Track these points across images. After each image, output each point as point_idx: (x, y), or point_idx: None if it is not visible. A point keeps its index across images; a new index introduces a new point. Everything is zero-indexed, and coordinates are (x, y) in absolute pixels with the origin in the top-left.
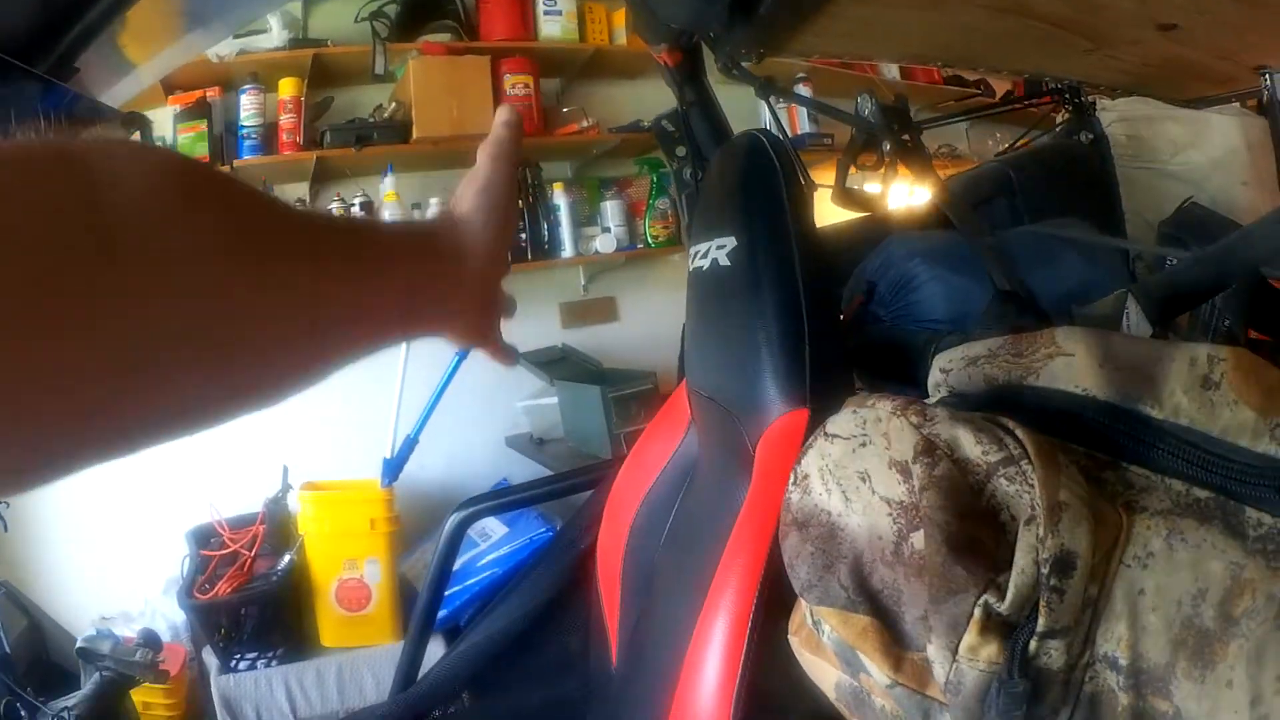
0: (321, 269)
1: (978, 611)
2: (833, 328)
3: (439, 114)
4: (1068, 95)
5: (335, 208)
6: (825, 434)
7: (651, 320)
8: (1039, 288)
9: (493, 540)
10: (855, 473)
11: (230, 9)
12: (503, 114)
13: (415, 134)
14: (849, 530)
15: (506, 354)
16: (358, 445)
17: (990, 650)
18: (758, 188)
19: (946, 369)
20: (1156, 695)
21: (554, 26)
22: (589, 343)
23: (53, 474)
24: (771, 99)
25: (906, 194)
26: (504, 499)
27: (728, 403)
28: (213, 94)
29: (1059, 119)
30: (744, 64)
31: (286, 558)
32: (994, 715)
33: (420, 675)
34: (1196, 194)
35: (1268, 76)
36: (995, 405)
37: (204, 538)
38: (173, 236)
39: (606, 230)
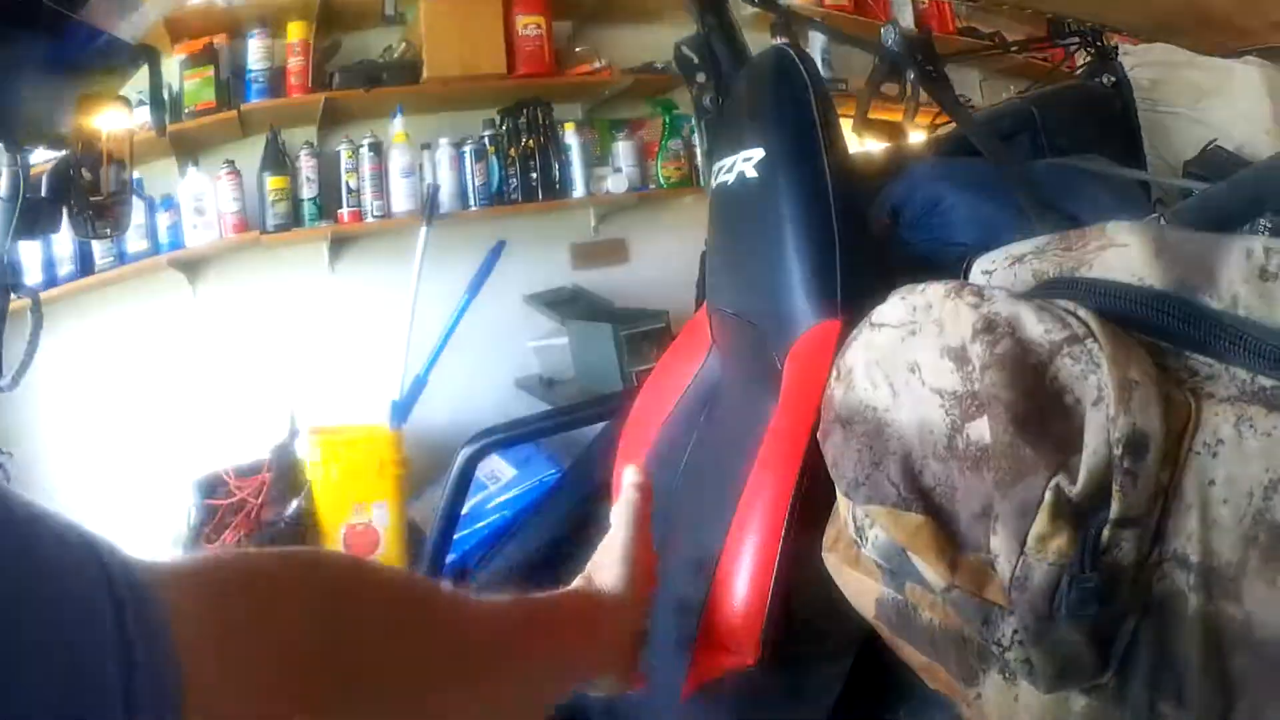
0: (521, 681)
1: (1048, 495)
2: (865, 239)
3: (449, 54)
4: (1090, 38)
5: (344, 150)
6: (871, 324)
7: (662, 262)
8: (1066, 216)
9: (502, 482)
10: (904, 364)
11: None
12: (631, 476)
13: (426, 74)
14: (898, 425)
15: (641, 680)
16: (366, 389)
17: (1061, 541)
18: (787, 99)
19: (989, 270)
20: (1226, 598)
21: None
22: (600, 284)
23: None
24: (791, 32)
25: (928, 128)
26: (516, 430)
27: (754, 318)
28: (220, 40)
29: (1080, 64)
30: None
31: (294, 503)
32: (1064, 615)
33: None
34: (1221, 138)
35: None
36: (1049, 294)
37: (211, 488)
38: (401, 660)
39: (618, 171)
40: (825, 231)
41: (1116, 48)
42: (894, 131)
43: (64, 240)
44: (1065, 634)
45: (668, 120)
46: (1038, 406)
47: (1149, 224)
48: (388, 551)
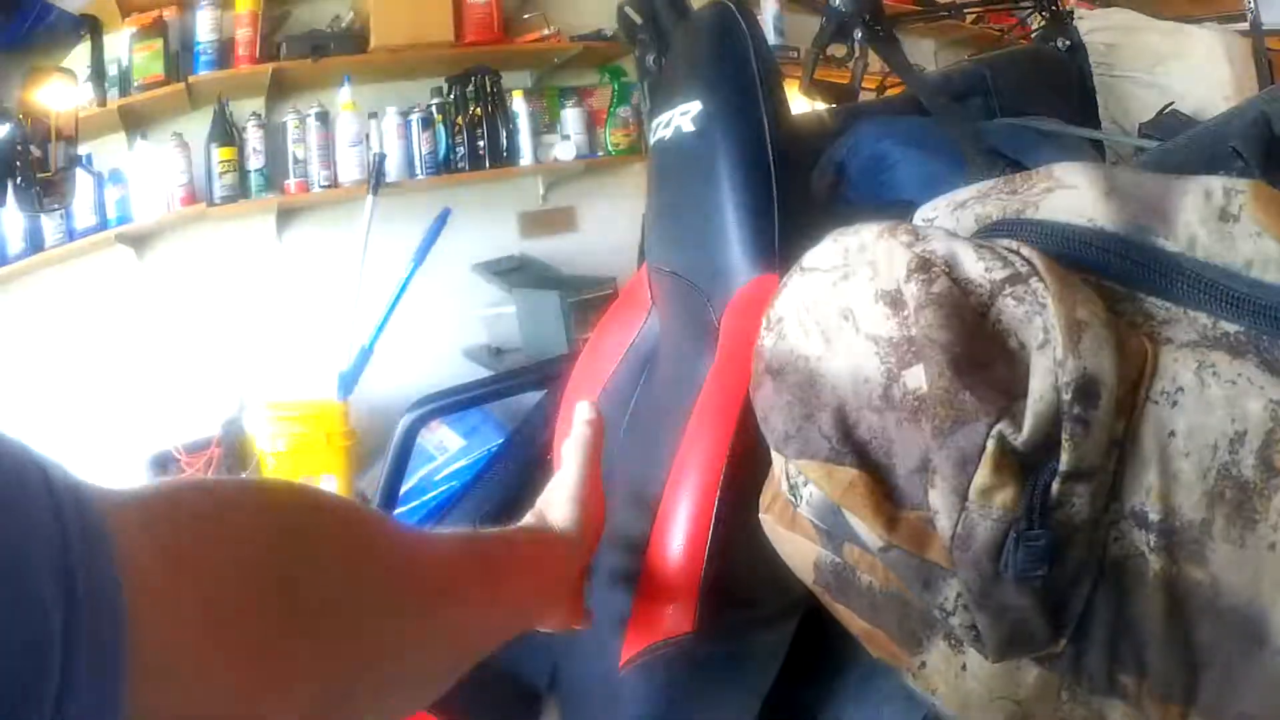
0: (467, 608)
1: (991, 444)
2: (803, 193)
3: (396, 23)
4: (1045, 2)
5: (291, 120)
6: (802, 269)
7: (611, 229)
8: None
9: (450, 453)
10: (837, 310)
11: None
12: (584, 412)
13: (373, 43)
14: (831, 375)
15: (587, 618)
16: (315, 361)
17: (1006, 495)
18: (726, 52)
19: (930, 217)
20: (1190, 561)
21: None
22: (548, 252)
23: None
24: None
25: (876, 91)
26: (456, 397)
27: (691, 275)
28: (170, 13)
29: (1035, 27)
30: None
31: (243, 477)
32: (1010, 577)
33: None
34: (1178, 102)
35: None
36: (993, 234)
37: (162, 464)
38: (349, 593)
39: (566, 138)
40: (763, 186)
41: (1071, 12)
42: (842, 93)
43: (14, 219)
44: (1013, 598)
45: (616, 88)
46: (978, 349)
47: (1100, 165)
48: None
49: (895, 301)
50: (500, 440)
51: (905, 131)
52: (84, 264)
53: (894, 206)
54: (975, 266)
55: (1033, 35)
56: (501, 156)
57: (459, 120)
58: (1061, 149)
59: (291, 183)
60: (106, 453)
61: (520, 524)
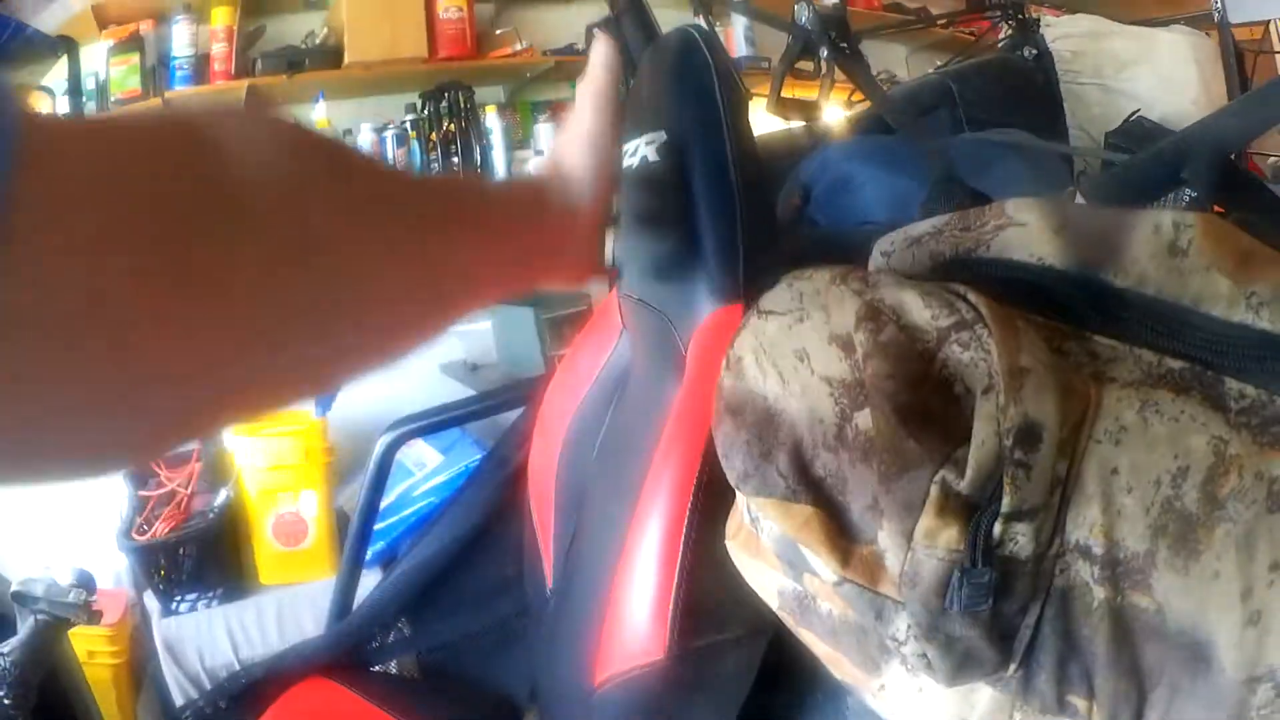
0: (446, 235)
1: (934, 489)
2: (768, 221)
3: (371, 38)
4: (1011, 10)
5: None
6: (759, 311)
7: None
8: (983, 192)
9: (428, 469)
10: (792, 351)
11: None
12: (601, 52)
13: (347, 59)
14: (787, 414)
15: (609, 275)
16: None
17: (950, 534)
18: (690, 81)
19: (887, 251)
20: (1136, 589)
21: None
22: None
23: (190, 438)
24: (709, 16)
25: (845, 104)
26: (433, 418)
27: (659, 303)
28: (146, 27)
29: (1002, 35)
30: None
31: (223, 494)
32: (956, 610)
33: (355, 605)
34: (1145, 109)
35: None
36: (943, 279)
37: (142, 479)
38: (300, 207)
39: (540, 153)
40: (728, 216)
41: (1038, 20)
42: (810, 110)
43: None
44: (960, 629)
45: None
46: (923, 396)
47: (1051, 200)
48: (317, 540)
49: (846, 345)
50: (478, 456)
51: (870, 151)
52: None
53: (861, 227)
54: (923, 314)
55: (999, 44)
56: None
57: (433, 136)
58: (1027, 162)
59: None
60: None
61: (533, 173)
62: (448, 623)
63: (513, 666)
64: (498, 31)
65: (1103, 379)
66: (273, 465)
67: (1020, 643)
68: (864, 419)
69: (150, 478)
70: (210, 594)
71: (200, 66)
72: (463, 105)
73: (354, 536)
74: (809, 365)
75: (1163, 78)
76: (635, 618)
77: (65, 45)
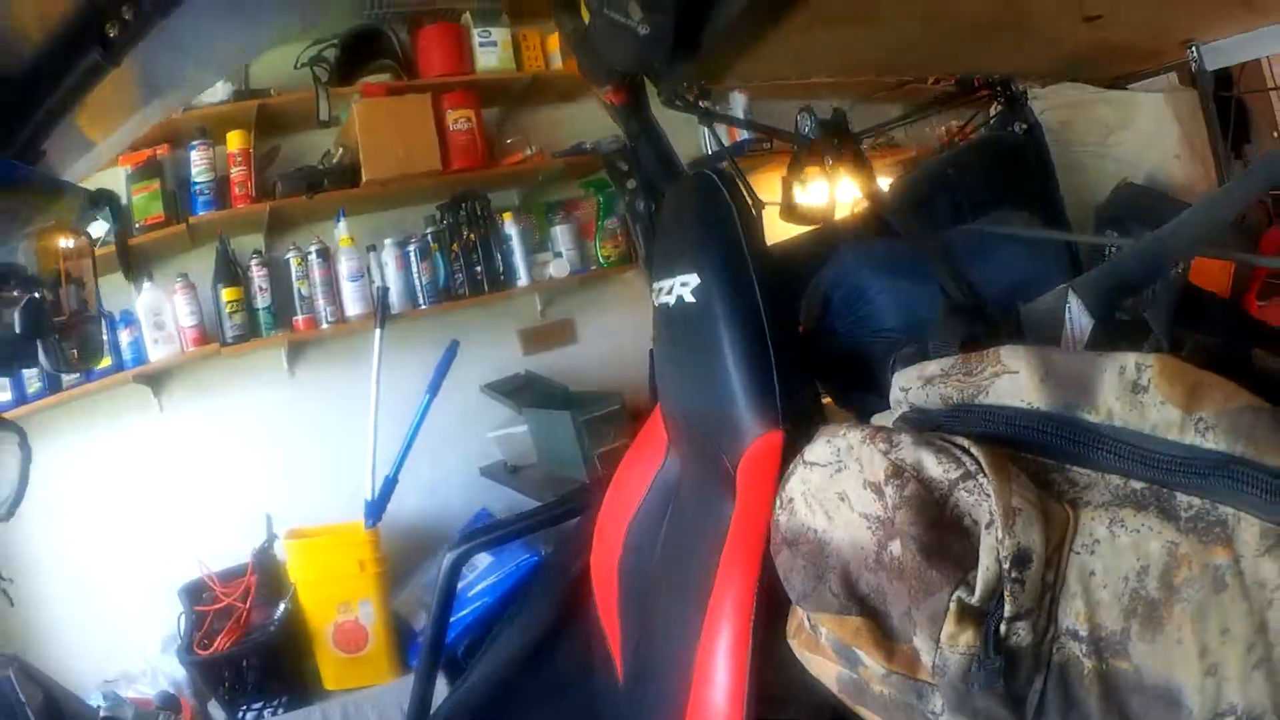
0: None
1: (953, 605)
2: (796, 354)
3: (385, 155)
4: (999, 89)
5: (293, 257)
6: (805, 462)
7: (610, 338)
8: (985, 282)
9: (479, 570)
10: (835, 494)
11: (183, 80)
12: None
13: (364, 176)
14: (834, 544)
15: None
16: (334, 488)
17: (967, 636)
18: (715, 226)
19: (906, 388)
20: (1117, 657)
21: (490, 57)
22: (550, 366)
23: None
24: (714, 130)
25: (851, 202)
26: (495, 534)
27: (705, 428)
28: (162, 151)
29: (992, 111)
30: (686, 96)
31: (281, 606)
32: (977, 689)
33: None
34: (1132, 171)
35: (1194, 49)
36: (952, 421)
37: (196, 593)
38: None
39: (559, 255)
40: (762, 351)
41: (1025, 92)
42: (819, 214)
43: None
44: (982, 702)
45: (601, 201)
46: (940, 535)
47: (1035, 351)
48: (376, 645)
49: (878, 490)
50: (526, 556)
51: (880, 261)
52: (101, 402)
53: (878, 335)
54: (936, 469)
55: (990, 121)
56: (499, 280)
57: (454, 246)
58: (1023, 246)
59: (300, 319)
60: (137, 584)
61: None
62: None
63: None
64: (508, 140)
65: (1079, 503)
66: (329, 577)
67: (1030, 706)
68: (896, 547)
69: (205, 592)
70: (275, 702)
71: (221, 190)
72: (479, 213)
73: (427, 648)
74: (849, 504)
75: (1146, 139)
76: (716, 700)
77: (107, 200)
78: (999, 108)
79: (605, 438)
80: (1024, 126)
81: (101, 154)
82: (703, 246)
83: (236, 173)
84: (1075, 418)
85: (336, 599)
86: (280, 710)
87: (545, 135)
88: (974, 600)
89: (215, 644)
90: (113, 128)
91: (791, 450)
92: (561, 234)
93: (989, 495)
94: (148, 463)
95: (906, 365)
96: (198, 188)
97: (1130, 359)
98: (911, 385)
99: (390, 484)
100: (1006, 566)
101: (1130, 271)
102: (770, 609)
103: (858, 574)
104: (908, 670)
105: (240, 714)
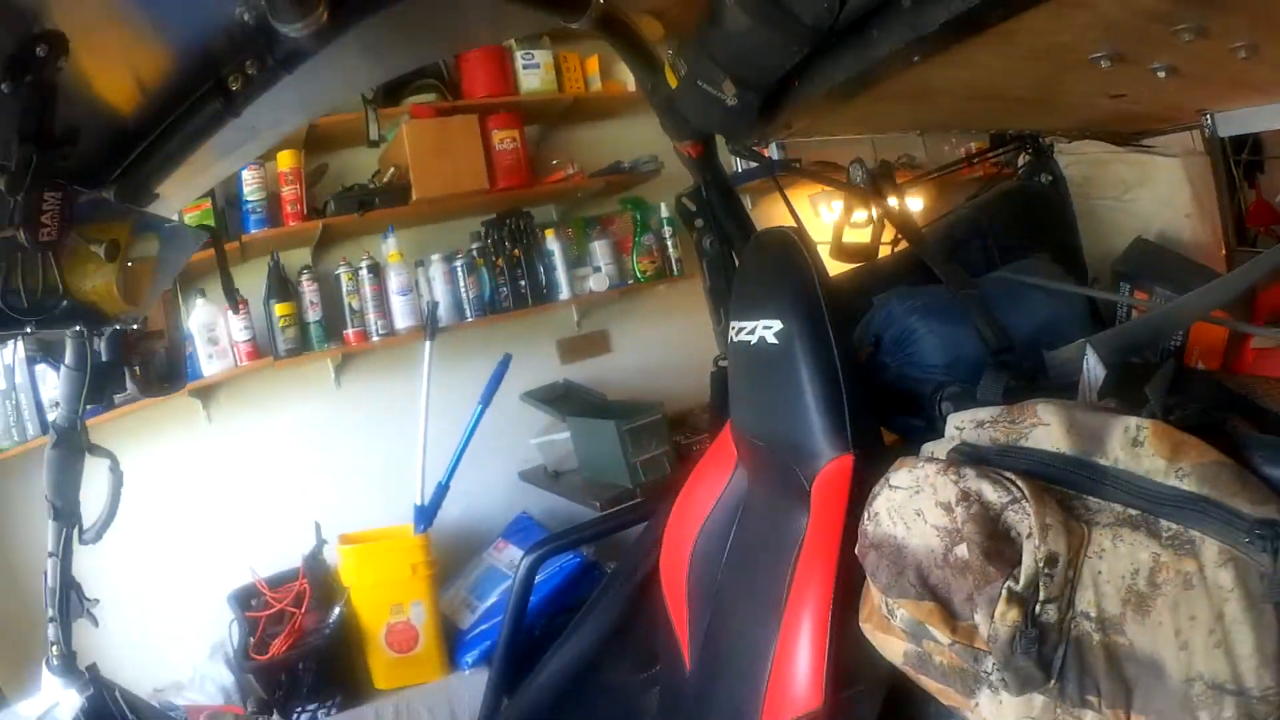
0: None
1: (1004, 591)
2: (862, 388)
3: (435, 175)
4: (1028, 143)
5: (344, 273)
6: (890, 485)
7: (642, 349)
8: (1013, 324)
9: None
10: (913, 510)
11: (292, 123)
12: None
13: (415, 195)
14: (911, 548)
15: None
16: (380, 495)
17: (1014, 614)
18: (795, 280)
19: (960, 426)
20: (1115, 633)
21: (533, 79)
22: (586, 374)
23: None
24: (780, 186)
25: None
26: (568, 538)
27: (782, 450)
28: None
29: (1020, 161)
30: (752, 148)
31: (336, 610)
32: (1019, 653)
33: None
34: (1146, 227)
35: (1208, 117)
36: (1001, 458)
37: (246, 599)
38: None
39: (598, 270)
40: (834, 387)
41: (1052, 146)
42: (866, 253)
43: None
44: (1022, 663)
45: (638, 218)
46: (995, 542)
47: (1064, 407)
48: (427, 645)
49: (948, 509)
50: (571, 556)
51: (926, 306)
52: (151, 416)
53: (925, 371)
54: (993, 494)
55: (1020, 170)
56: (542, 293)
57: (499, 262)
58: (1050, 294)
59: (350, 333)
60: (185, 592)
61: None
62: (593, 715)
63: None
64: (553, 162)
65: (1091, 523)
66: (383, 580)
67: (1055, 668)
68: (961, 549)
69: (254, 598)
70: (329, 703)
71: (273, 208)
72: (523, 230)
73: (503, 647)
74: (924, 519)
75: (1161, 198)
76: (798, 679)
77: (211, 235)
78: (1027, 157)
79: (647, 446)
80: (1049, 178)
81: (202, 188)
82: (785, 298)
83: (288, 191)
84: (1091, 461)
85: (390, 601)
86: (334, 710)
87: (582, 153)
88: (1019, 589)
89: (272, 649)
90: (223, 171)
91: (860, 470)
92: (600, 249)
93: (1030, 515)
94: (195, 474)
95: (954, 402)
96: (249, 206)
97: (1133, 421)
98: (965, 425)
99: (442, 490)
100: (1041, 565)
101: (1139, 335)
102: (845, 601)
103: (929, 570)
104: (968, 640)
105: (295, 716)
